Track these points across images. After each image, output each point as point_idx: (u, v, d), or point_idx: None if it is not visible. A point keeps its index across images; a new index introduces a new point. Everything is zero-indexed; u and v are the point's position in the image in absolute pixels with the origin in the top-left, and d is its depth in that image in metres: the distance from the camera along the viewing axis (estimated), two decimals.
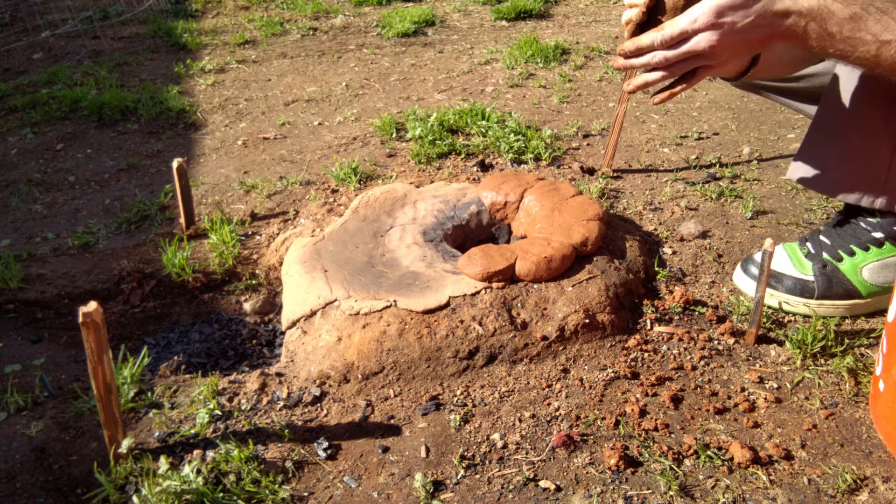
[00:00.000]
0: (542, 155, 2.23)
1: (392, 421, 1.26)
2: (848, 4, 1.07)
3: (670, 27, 1.14)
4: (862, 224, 1.47)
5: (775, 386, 1.32)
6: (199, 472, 1.10)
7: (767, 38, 1.13)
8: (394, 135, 2.44)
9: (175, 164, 1.77)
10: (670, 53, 1.15)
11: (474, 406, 1.29)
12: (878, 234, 1.46)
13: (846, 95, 1.39)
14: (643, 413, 1.25)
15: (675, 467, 1.14)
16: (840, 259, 1.48)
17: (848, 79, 1.38)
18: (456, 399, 1.30)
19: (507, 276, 1.46)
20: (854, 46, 1.07)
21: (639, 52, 1.19)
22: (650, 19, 1.21)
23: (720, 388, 1.32)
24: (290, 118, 2.68)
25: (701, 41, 1.13)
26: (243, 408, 1.28)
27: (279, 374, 1.36)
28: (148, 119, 2.67)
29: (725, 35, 1.11)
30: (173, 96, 2.86)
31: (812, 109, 1.54)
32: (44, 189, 2.18)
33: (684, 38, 1.14)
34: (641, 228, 1.84)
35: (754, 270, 1.53)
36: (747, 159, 2.23)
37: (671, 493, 1.09)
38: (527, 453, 1.18)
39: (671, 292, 1.57)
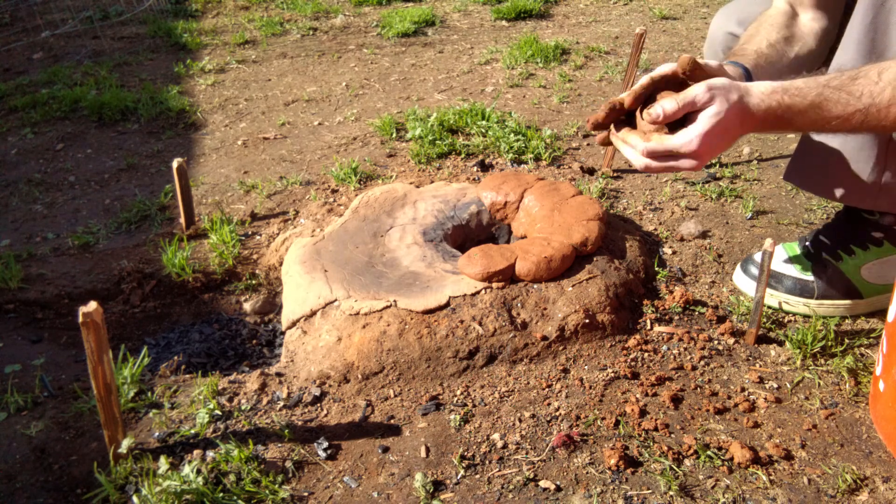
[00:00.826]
0: (542, 155, 2.23)
1: (392, 421, 1.26)
2: (806, 93, 1.14)
3: (658, 142, 1.16)
4: (861, 224, 1.47)
5: (775, 386, 1.32)
6: (199, 472, 1.10)
7: (735, 139, 1.19)
8: (394, 135, 2.44)
9: (175, 164, 1.77)
10: (653, 164, 1.20)
11: (474, 406, 1.29)
12: (878, 234, 1.46)
13: None
14: (643, 413, 1.25)
15: (675, 467, 1.14)
16: (840, 259, 1.48)
17: None
18: (456, 399, 1.30)
19: (507, 276, 1.46)
20: (817, 124, 1.16)
21: (625, 143, 1.22)
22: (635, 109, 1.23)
23: (720, 388, 1.32)
24: (290, 118, 2.68)
25: (684, 164, 1.17)
26: (243, 408, 1.28)
27: (279, 374, 1.36)
28: (148, 119, 2.67)
29: (708, 155, 1.17)
30: (173, 96, 2.86)
31: None
32: (44, 189, 2.18)
33: (671, 155, 1.17)
34: (641, 228, 1.84)
35: (754, 270, 1.53)
36: (747, 159, 2.23)
37: (671, 493, 1.09)
38: (527, 453, 1.18)
39: (671, 292, 1.57)
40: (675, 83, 1.22)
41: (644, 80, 1.22)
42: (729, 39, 1.69)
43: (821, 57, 1.50)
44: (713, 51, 1.74)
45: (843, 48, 1.29)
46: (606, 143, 1.27)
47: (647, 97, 1.21)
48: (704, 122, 1.13)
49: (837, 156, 1.40)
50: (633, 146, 1.20)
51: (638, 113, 1.22)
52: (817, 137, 1.42)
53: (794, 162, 1.48)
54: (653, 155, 1.19)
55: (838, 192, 1.43)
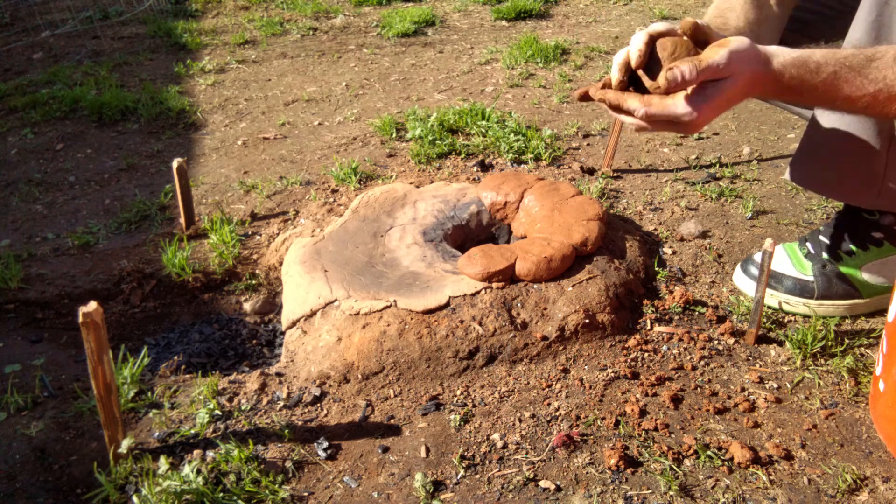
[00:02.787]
0: (542, 155, 2.23)
1: (392, 421, 1.26)
2: (823, 67, 1.09)
3: (660, 107, 1.11)
4: (861, 224, 1.47)
5: (775, 386, 1.32)
6: (199, 472, 1.10)
7: (730, 100, 1.13)
8: (394, 135, 2.44)
9: (175, 164, 1.77)
10: (648, 127, 1.15)
11: (474, 406, 1.29)
12: (878, 234, 1.46)
13: None
14: (643, 413, 1.25)
15: (675, 467, 1.14)
16: (840, 259, 1.48)
17: None
18: (456, 399, 1.30)
19: (507, 276, 1.46)
20: (826, 102, 1.12)
21: (619, 109, 1.16)
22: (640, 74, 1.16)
23: (720, 388, 1.32)
24: (290, 118, 2.68)
25: (681, 128, 1.13)
26: (243, 408, 1.28)
27: (279, 374, 1.36)
28: (148, 119, 2.67)
29: (708, 122, 1.12)
30: (173, 96, 2.86)
31: (808, 112, 1.55)
32: (44, 189, 2.18)
33: (672, 120, 1.12)
34: (641, 228, 1.84)
35: (754, 271, 1.53)
36: (747, 159, 2.23)
37: (671, 493, 1.09)
38: (527, 453, 1.18)
39: (671, 292, 1.57)
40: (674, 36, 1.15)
41: (643, 36, 1.14)
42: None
43: (782, 22, 1.47)
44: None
45: (855, 25, 1.26)
46: (585, 98, 1.20)
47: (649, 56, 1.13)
48: (716, 93, 1.08)
49: (840, 155, 1.39)
50: (630, 109, 1.13)
51: (642, 72, 1.14)
52: (818, 133, 1.42)
53: (795, 161, 1.48)
54: (651, 119, 1.13)
55: (840, 192, 1.43)
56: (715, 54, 1.06)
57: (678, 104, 1.09)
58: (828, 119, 1.42)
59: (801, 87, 1.11)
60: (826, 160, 1.42)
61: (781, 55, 1.11)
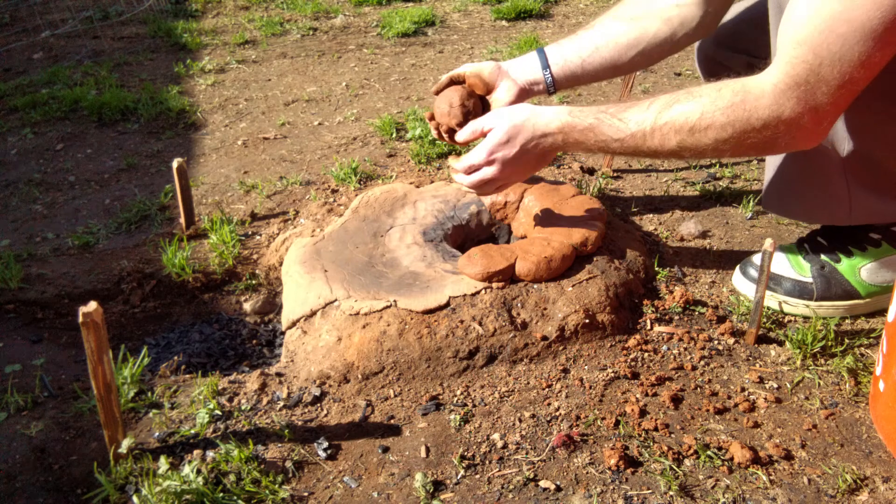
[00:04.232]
0: None
1: (392, 421, 1.26)
2: (586, 116, 1.30)
3: (456, 161, 1.45)
4: (859, 225, 1.47)
5: (775, 386, 1.32)
6: (199, 472, 1.10)
7: (542, 156, 1.39)
8: (394, 135, 2.44)
9: (175, 164, 1.77)
10: (466, 181, 1.44)
11: (474, 406, 1.29)
12: (876, 235, 1.46)
13: None
14: (643, 413, 1.26)
15: (675, 467, 1.14)
16: (838, 260, 1.48)
17: None
18: (456, 399, 1.30)
19: (507, 276, 1.46)
20: (602, 146, 1.32)
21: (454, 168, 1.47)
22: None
23: (720, 388, 1.32)
24: (290, 118, 2.68)
25: (486, 173, 1.40)
26: (243, 408, 1.28)
27: (279, 374, 1.36)
28: (148, 119, 2.67)
29: (502, 166, 1.38)
30: (173, 96, 2.86)
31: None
32: (44, 189, 2.18)
33: (474, 169, 1.42)
34: (641, 228, 1.84)
35: (753, 273, 1.53)
36: (747, 159, 2.23)
37: (671, 493, 1.09)
38: (527, 453, 1.18)
39: (671, 292, 1.57)
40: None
41: (443, 79, 1.56)
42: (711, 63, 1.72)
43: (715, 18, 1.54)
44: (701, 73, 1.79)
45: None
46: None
47: (467, 112, 1.50)
48: (488, 138, 1.38)
49: (803, 180, 1.43)
50: (454, 169, 1.46)
51: (446, 136, 1.57)
52: (779, 164, 1.46)
53: (766, 191, 1.51)
54: (467, 172, 1.43)
55: (814, 215, 1.48)
56: (485, 118, 1.42)
57: (468, 154, 1.41)
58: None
59: (575, 131, 1.33)
60: (794, 187, 1.46)
61: (548, 110, 1.36)
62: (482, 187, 1.45)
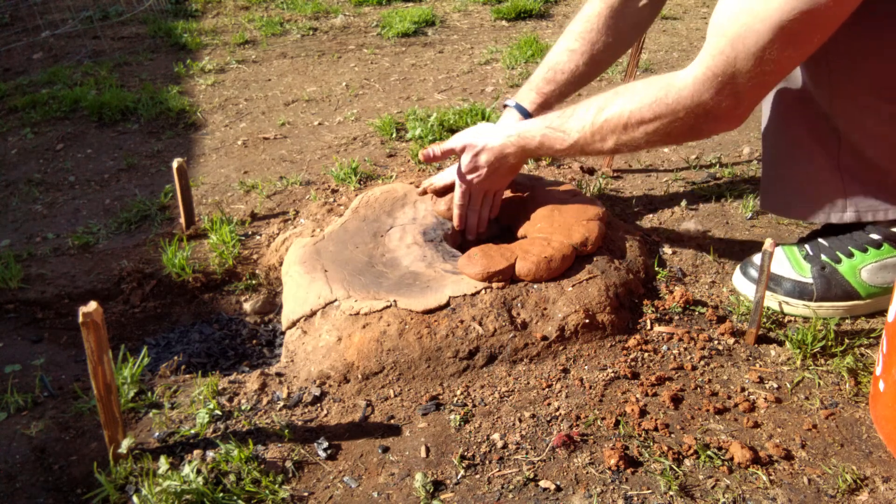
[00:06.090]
0: None
1: (392, 421, 1.26)
2: (534, 134, 1.44)
3: (432, 183, 1.71)
4: (860, 226, 1.47)
5: (775, 386, 1.32)
6: (199, 472, 1.10)
7: (510, 170, 1.56)
8: (394, 135, 2.44)
9: (175, 164, 1.77)
10: (458, 208, 1.62)
11: (474, 406, 1.29)
12: (876, 236, 1.46)
13: (774, 125, 1.49)
14: (643, 413, 1.26)
15: (675, 467, 1.14)
16: (838, 261, 1.48)
17: (766, 107, 1.50)
18: (456, 399, 1.30)
19: (507, 276, 1.46)
20: (554, 154, 1.52)
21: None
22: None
23: (720, 388, 1.32)
24: (290, 118, 2.68)
25: (465, 193, 1.59)
26: (243, 408, 1.28)
27: (279, 374, 1.36)
28: (148, 119, 2.67)
29: (478, 184, 1.57)
30: (173, 96, 2.86)
31: None
32: (44, 189, 2.18)
33: (459, 204, 1.62)
34: (641, 228, 1.84)
35: (753, 273, 1.53)
36: (747, 159, 2.23)
37: (671, 493, 1.09)
38: (527, 453, 1.18)
39: (671, 292, 1.57)
40: None
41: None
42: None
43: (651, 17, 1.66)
44: None
45: None
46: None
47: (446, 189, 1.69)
48: (459, 168, 1.57)
49: (799, 180, 1.46)
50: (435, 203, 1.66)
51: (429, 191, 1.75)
52: (774, 163, 1.49)
53: (763, 192, 1.55)
54: (440, 193, 1.69)
55: (811, 213, 1.48)
56: (451, 139, 1.61)
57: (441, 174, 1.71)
58: (773, 145, 1.47)
59: (529, 146, 1.47)
60: (789, 186, 1.47)
61: (502, 130, 1.52)
62: (472, 204, 1.62)
